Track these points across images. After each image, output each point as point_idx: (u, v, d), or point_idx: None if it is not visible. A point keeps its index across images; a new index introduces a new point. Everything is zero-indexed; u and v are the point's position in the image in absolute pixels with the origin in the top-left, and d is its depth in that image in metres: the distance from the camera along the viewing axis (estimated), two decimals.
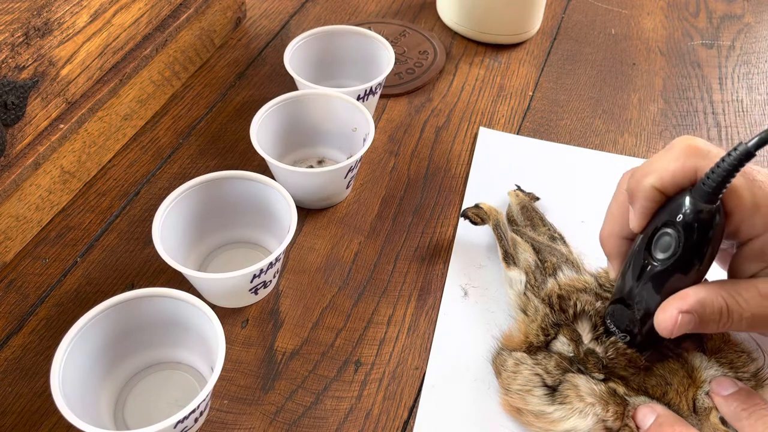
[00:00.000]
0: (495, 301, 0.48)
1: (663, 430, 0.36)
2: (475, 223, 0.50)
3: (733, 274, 0.37)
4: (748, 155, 0.32)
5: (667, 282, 0.36)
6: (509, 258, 0.47)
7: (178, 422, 0.36)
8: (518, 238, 0.48)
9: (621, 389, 0.38)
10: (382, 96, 0.63)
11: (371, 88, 0.56)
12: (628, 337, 0.39)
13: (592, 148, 0.60)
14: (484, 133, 0.60)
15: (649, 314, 0.37)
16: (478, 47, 0.70)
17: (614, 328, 0.40)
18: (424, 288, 0.49)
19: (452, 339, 0.46)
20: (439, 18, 0.73)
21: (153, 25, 0.58)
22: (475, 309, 0.48)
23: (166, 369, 0.44)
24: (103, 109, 0.54)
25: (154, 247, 0.43)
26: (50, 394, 0.36)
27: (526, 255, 0.46)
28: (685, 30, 0.74)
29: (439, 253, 0.51)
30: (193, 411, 0.37)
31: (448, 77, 0.67)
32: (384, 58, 0.59)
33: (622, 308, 0.39)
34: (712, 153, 0.35)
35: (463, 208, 0.53)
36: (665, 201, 0.36)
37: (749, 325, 0.35)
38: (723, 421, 0.37)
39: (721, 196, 0.34)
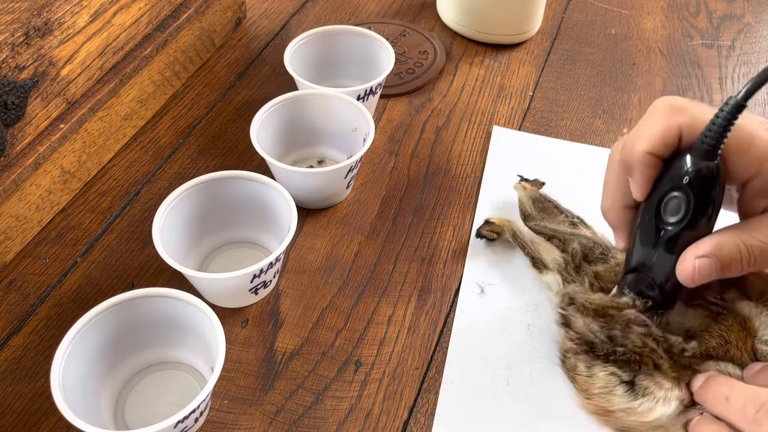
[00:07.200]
0: (512, 298, 0.48)
1: (709, 384, 0.37)
2: (492, 239, 0.51)
3: (745, 215, 0.39)
4: (740, 108, 0.34)
5: (681, 241, 0.37)
6: (538, 263, 0.47)
7: (178, 422, 0.36)
8: (539, 240, 0.48)
9: (687, 360, 0.39)
10: (382, 96, 0.63)
11: (371, 88, 0.56)
12: (650, 302, 0.40)
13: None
14: (497, 132, 0.60)
15: (671, 274, 0.38)
16: (478, 47, 0.70)
17: (633, 296, 0.41)
18: (424, 288, 0.49)
19: (470, 336, 0.46)
20: (439, 18, 0.73)
21: (153, 25, 0.58)
22: (492, 306, 0.48)
23: (166, 369, 0.44)
24: (104, 109, 0.54)
25: (154, 247, 0.43)
26: (50, 394, 0.36)
27: (553, 254, 0.46)
28: (685, 30, 0.74)
29: (440, 252, 0.51)
30: (193, 411, 0.37)
31: (448, 77, 0.67)
32: (384, 58, 0.59)
33: (639, 276, 0.40)
34: (690, 108, 0.37)
35: (475, 224, 0.53)
36: (663, 165, 0.38)
37: None
38: None
39: (720, 151, 0.35)
